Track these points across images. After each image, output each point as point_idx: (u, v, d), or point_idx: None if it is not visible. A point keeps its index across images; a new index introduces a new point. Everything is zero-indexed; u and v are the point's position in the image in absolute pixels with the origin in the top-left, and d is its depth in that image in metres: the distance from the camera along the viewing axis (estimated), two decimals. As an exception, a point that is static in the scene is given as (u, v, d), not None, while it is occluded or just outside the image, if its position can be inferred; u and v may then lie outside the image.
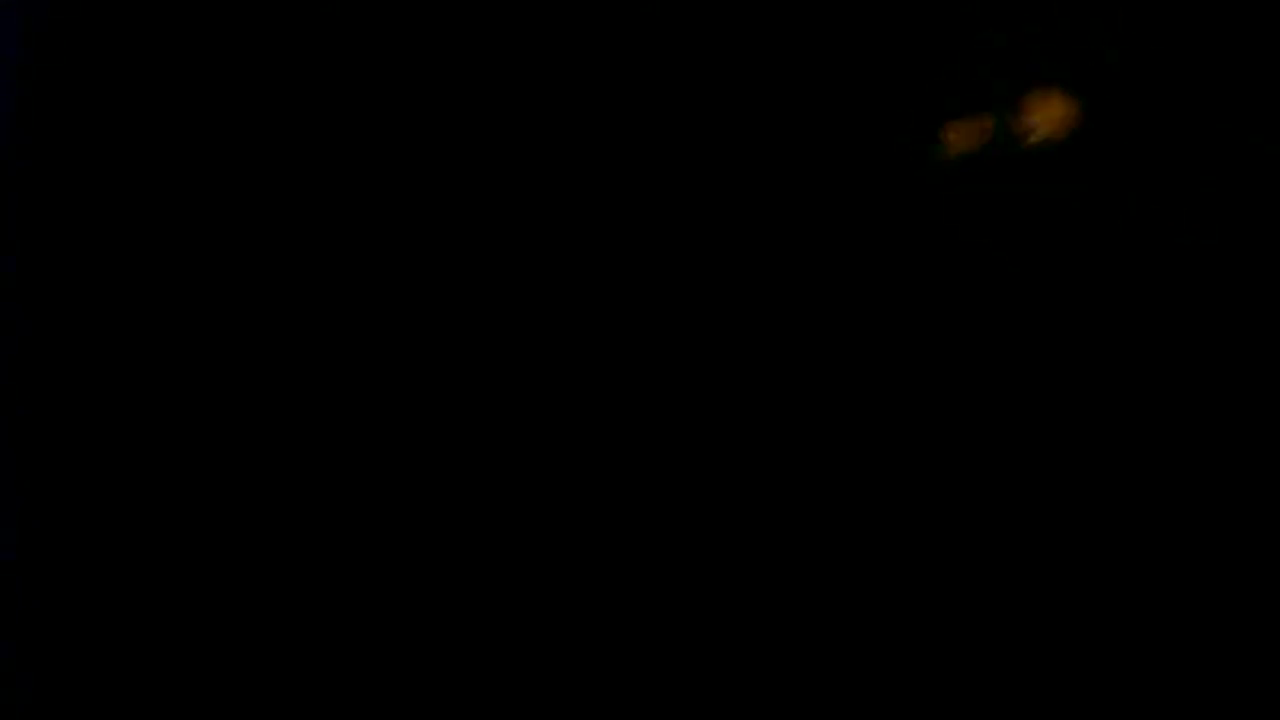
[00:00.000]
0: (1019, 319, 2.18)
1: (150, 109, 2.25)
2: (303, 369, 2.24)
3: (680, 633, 2.19)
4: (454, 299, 2.24)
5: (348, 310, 2.24)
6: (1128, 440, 2.16)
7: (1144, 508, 2.15)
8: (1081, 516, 2.17)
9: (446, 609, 2.20)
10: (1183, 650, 2.14)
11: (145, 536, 2.21)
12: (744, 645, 2.18)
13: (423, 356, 2.24)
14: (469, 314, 2.23)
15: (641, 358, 2.21)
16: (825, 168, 2.19)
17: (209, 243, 2.25)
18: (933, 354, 2.19)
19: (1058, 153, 2.16)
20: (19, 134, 2.23)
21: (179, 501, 2.22)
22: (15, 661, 2.20)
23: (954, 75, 2.19)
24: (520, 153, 2.24)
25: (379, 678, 2.20)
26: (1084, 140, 2.16)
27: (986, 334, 2.18)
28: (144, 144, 2.26)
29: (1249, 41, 2.19)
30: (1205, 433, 2.16)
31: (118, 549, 2.21)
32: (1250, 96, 2.18)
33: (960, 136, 2.12)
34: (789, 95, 2.21)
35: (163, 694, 2.20)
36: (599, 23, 2.22)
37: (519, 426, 2.22)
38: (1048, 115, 2.14)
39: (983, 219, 2.17)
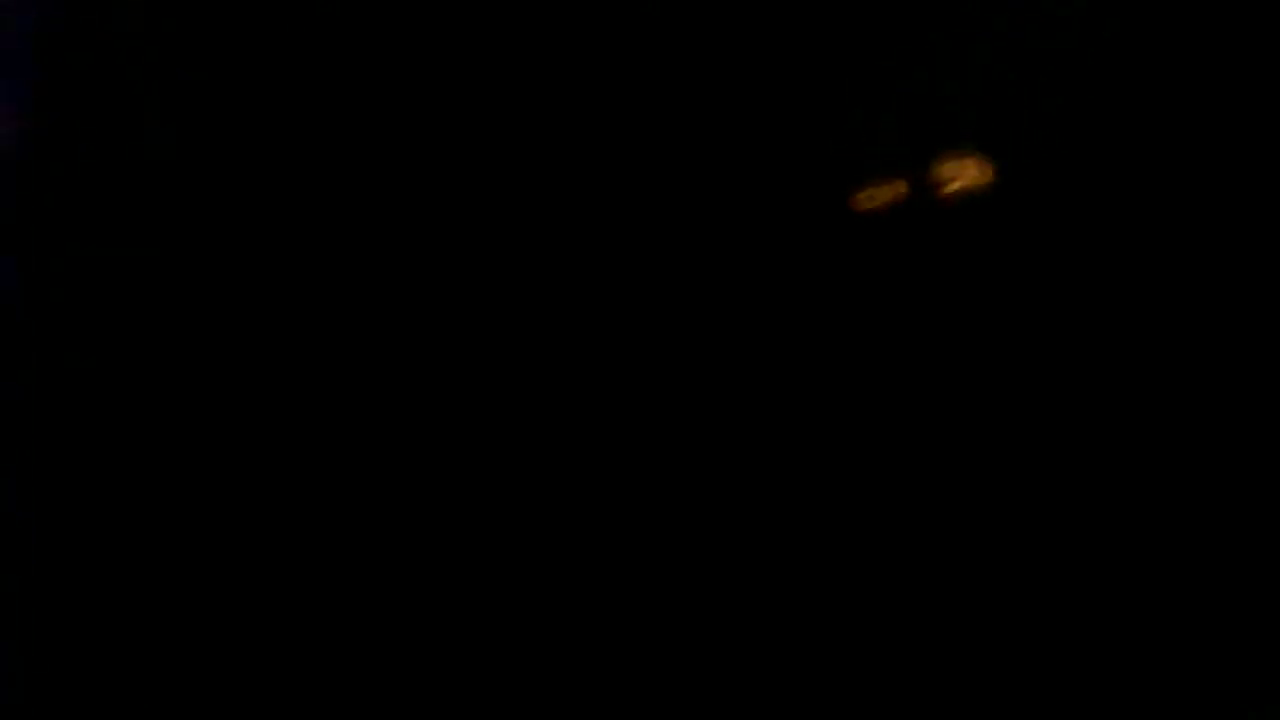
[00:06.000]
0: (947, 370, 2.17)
1: (153, 107, 2.27)
2: (303, 369, 2.25)
3: (679, 633, 2.19)
4: (449, 301, 2.25)
5: (349, 309, 2.25)
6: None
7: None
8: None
9: (446, 609, 2.21)
10: (1181, 649, 2.14)
11: (146, 536, 2.22)
12: (743, 645, 2.18)
13: (422, 357, 2.25)
14: (463, 314, 2.25)
15: (616, 360, 2.21)
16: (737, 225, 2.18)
17: (209, 242, 2.26)
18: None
19: (973, 211, 2.15)
20: (24, 131, 2.25)
21: (179, 500, 2.22)
22: (15, 661, 2.20)
23: (865, 138, 2.18)
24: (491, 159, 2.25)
25: (379, 677, 2.20)
26: (1000, 199, 2.16)
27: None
28: (146, 143, 2.27)
29: (1164, 96, 2.19)
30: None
31: (118, 548, 2.22)
32: (1167, 149, 2.18)
33: (873, 196, 2.12)
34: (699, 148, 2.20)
35: (162, 694, 2.20)
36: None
37: (515, 426, 2.23)
38: (962, 174, 2.13)
39: (899, 275, 2.16)
